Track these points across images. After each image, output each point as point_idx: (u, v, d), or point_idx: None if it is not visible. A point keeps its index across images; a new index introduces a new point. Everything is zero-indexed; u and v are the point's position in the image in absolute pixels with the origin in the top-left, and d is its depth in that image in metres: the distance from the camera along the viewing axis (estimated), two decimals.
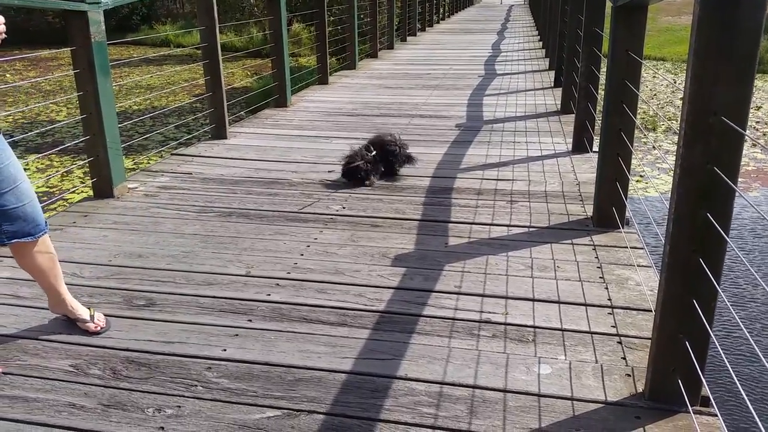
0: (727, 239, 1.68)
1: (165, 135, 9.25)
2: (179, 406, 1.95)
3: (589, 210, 3.49)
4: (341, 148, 4.89)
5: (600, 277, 2.76)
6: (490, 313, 2.47)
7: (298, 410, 1.93)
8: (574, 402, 1.95)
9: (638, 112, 3.13)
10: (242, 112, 8.63)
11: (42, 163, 8.05)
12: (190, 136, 8.45)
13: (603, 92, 3.27)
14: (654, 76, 13.24)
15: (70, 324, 2.40)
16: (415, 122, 5.84)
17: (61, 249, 3.07)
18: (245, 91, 11.52)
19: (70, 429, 1.85)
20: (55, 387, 2.05)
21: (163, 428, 1.85)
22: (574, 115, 4.98)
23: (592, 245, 3.08)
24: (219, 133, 5.25)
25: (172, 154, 4.92)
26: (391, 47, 12.10)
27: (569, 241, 3.12)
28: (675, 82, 12.24)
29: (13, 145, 8.84)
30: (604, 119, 3.16)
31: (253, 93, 9.57)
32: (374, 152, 4.03)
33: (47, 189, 6.95)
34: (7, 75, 15.38)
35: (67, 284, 2.71)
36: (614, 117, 3.12)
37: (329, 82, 8.13)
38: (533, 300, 2.57)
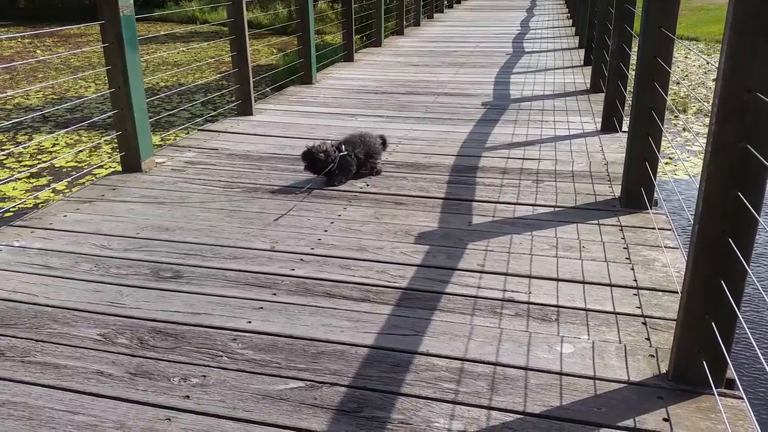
0: (759, 219, 1.64)
1: (191, 112, 9.32)
2: (205, 376, 1.98)
3: (617, 190, 3.44)
4: (366, 126, 4.88)
5: (626, 258, 2.72)
6: (513, 291, 2.46)
7: (320, 382, 1.95)
8: (597, 381, 1.94)
9: (669, 93, 3.06)
10: (267, 89, 8.65)
11: (71, 139, 8.17)
12: (216, 113, 8.50)
13: (634, 71, 3.20)
14: (686, 56, 12.91)
15: (99, 294, 2.45)
16: (441, 100, 5.79)
17: (90, 221, 3.14)
18: (270, 68, 11.52)
19: (98, 396, 1.90)
20: (84, 355, 2.10)
21: (188, 397, 1.89)
22: (603, 94, 4.90)
23: (618, 226, 3.04)
24: (245, 110, 5.27)
25: (199, 130, 4.96)
26: (417, 24, 11.97)
27: (596, 221, 3.08)
28: (708, 63, 11.92)
29: (43, 119, 9.00)
30: (635, 97, 3.09)
31: (278, 70, 9.57)
32: (344, 152, 3.64)
33: (76, 164, 7.06)
34: (38, 51, 15.59)
35: (95, 256, 2.78)
36: (645, 95, 3.05)
37: (354, 59, 8.09)
38: (557, 280, 2.55)
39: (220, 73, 11.78)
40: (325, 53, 8.62)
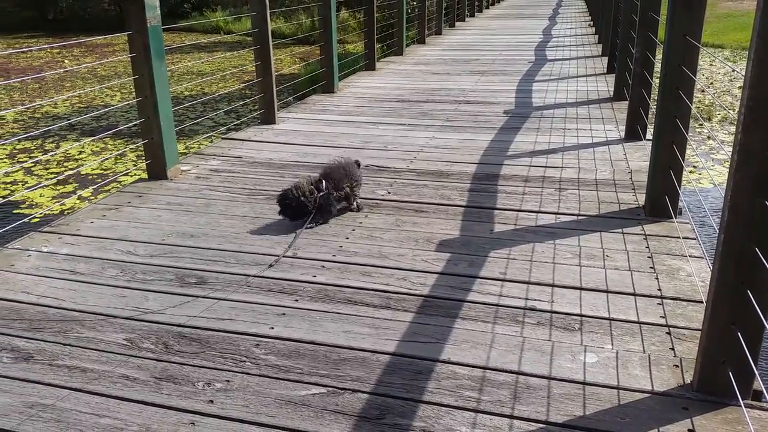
0: None
1: (215, 120, 9.44)
2: (228, 381, 2.01)
3: (641, 199, 3.41)
4: (387, 134, 4.91)
5: (650, 267, 2.70)
6: (535, 300, 2.45)
7: (342, 388, 1.96)
8: (620, 391, 1.93)
9: (693, 101, 3.04)
10: (290, 98, 8.73)
11: (97, 146, 8.32)
12: (239, 121, 8.60)
13: (658, 79, 3.18)
14: (711, 64, 12.75)
15: (125, 299, 2.49)
16: (462, 108, 5.80)
17: (116, 228, 3.20)
18: (292, 78, 11.63)
19: (123, 399, 1.94)
20: (110, 359, 2.14)
21: (212, 401, 1.91)
22: (627, 102, 4.86)
23: (643, 234, 3.01)
24: (268, 118, 5.33)
25: (222, 138, 5.02)
26: (439, 33, 12.00)
27: (619, 230, 3.06)
28: (734, 71, 11.76)
29: (70, 128, 9.17)
30: (659, 105, 3.07)
31: (300, 79, 9.66)
32: (324, 191, 3.17)
33: (102, 171, 7.19)
34: (66, 61, 15.93)
35: (122, 262, 2.83)
36: (669, 103, 3.03)
37: (376, 68, 8.13)
38: (580, 288, 2.53)
39: (243, 83, 11.93)
40: (346, 62, 8.68)
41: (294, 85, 9.77)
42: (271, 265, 2.75)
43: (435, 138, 4.78)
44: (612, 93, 6.09)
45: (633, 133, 4.59)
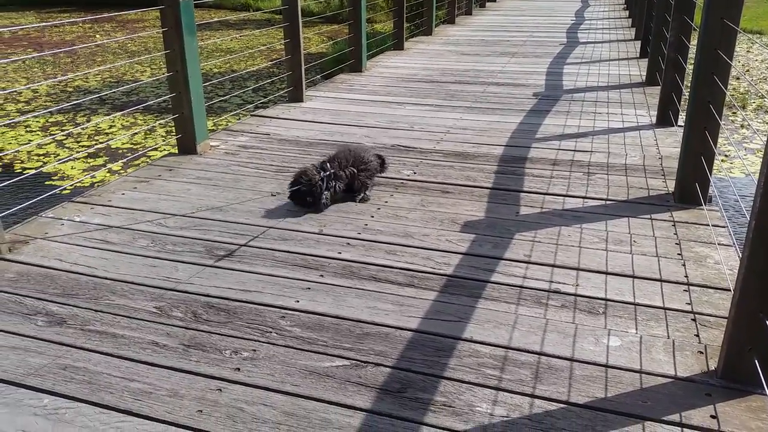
0: None
1: (243, 98, 9.49)
2: (255, 350, 2.05)
3: (671, 185, 3.37)
4: (414, 115, 4.90)
5: (678, 254, 2.67)
6: (560, 283, 2.45)
7: (365, 362, 2.00)
8: (643, 375, 1.93)
9: (728, 88, 2.98)
10: (318, 77, 8.73)
11: (127, 121, 8.43)
12: (266, 99, 8.63)
13: (692, 64, 3.11)
14: (748, 51, 12.41)
15: (156, 269, 2.55)
16: (491, 90, 5.75)
17: (147, 200, 3.26)
18: (320, 57, 11.62)
19: (153, 365, 1.99)
20: (141, 326, 2.20)
21: (239, 369, 1.96)
22: (659, 87, 4.78)
23: (671, 221, 2.98)
24: (296, 96, 5.35)
25: (251, 115, 5.06)
26: (469, 13, 11.86)
27: (648, 216, 3.03)
28: None
29: (101, 102, 9.30)
30: (693, 90, 3.02)
31: (328, 58, 9.65)
32: (329, 171, 3.16)
33: (131, 146, 7.30)
34: (97, 35, 16.10)
35: (152, 233, 2.89)
36: (703, 89, 2.97)
37: (405, 48, 8.08)
38: (606, 273, 2.52)
39: (271, 61, 11.95)
40: (375, 42, 8.64)
41: (321, 63, 9.76)
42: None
43: (462, 119, 4.75)
44: (644, 78, 5.98)
45: (665, 119, 4.52)
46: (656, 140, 4.20)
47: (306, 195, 3.09)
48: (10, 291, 2.41)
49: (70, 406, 1.81)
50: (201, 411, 1.78)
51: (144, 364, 1.99)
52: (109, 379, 1.92)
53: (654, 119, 4.64)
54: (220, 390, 1.87)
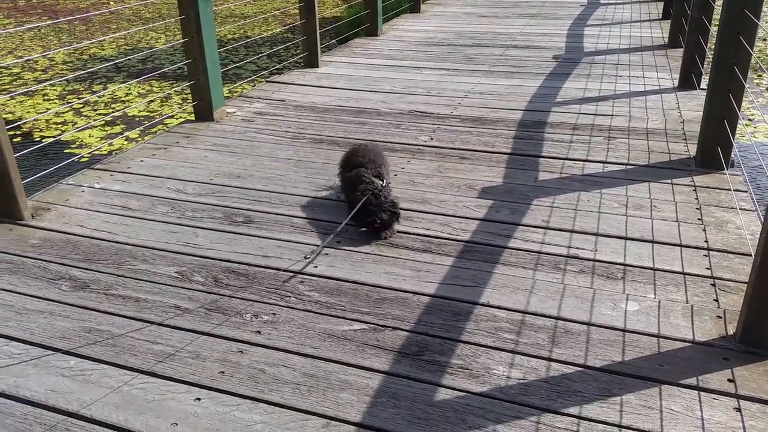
0: None
1: (257, 64, 9.42)
2: (274, 314, 2.08)
3: (693, 149, 3.32)
4: (431, 79, 4.84)
5: (698, 219, 2.64)
6: (578, 249, 2.44)
7: (383, 326, 2.02)
8: (660, 339, 1.93)
9: (754, 49, 2.90)
10: (333, 41, 8.63)
11: (143, 89, 8.44)
12: (281, 66, 8.57)
13: (717, 26, 3.03)
14: None
15: (176, 235, 2.58)
16: (510, 53, 5.65)
17: (165, 167, 3.28)
18: (335, 21, 11.47)
19: (175, 328, 2.03)
20: (162, 290, 2.23)
21: (259, 332, 1.99)
22: (682, 50, 4.66)
23: (692, 186, 2.94)
24: (311, 62, 5.30)
25: (266, 81, 5.04)
26: None
27: (668, 181, 2.99)
28: None
29: (117, 70, 9.29)
30: (717, 51, 2.94)
31: (343, 22, 9.52)
32: (386, 181, 2.71)
33: (148, 113, 7.31)
34: (111, 2, 16.01)
35: (171, 199, 2.92)
36: (728, 50, 2.90)
37: (421, 10, 7.95)
38: (625, 238, 2.50)
39: (285, 26, 11.83)
40: (390, 4, 8.49)
41: (336, 28, 9.64)
42: (305, 257, 2.35)
43: (480, 83, 4.69)
44: (667, 40, 5.84)
45: (687, 82, 4.42)
46: (678, 104, 4.12)
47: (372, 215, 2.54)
48: (35, 257, 2.46)
49: (95, 368, 1.86)
50: (223, 372, 1.82)
51: (167, 327, 2.03)
52: (133, 341, 1.97)
53: (676, 82, 4.54)
54: (242, 352, 1.91)
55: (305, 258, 2.37)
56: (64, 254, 2.47)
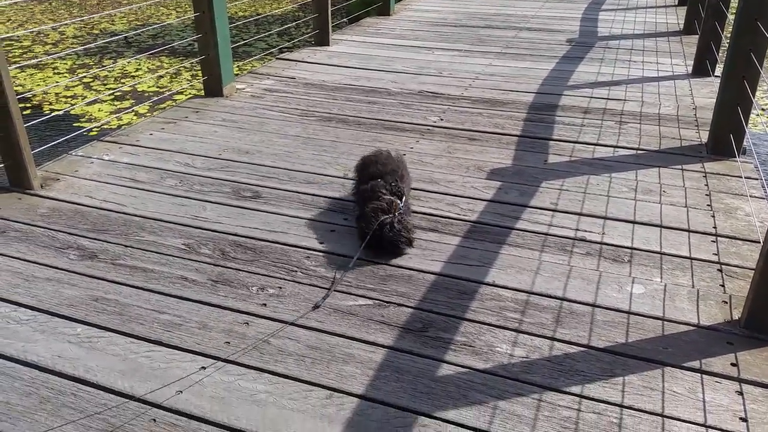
0: None
1: (268, 43, 9.38)
2: (280, 287, 2.09)
3: (704, 136, 3.29)
4: (442, 60, 4.81)
5: (708, 205, 2.63)
6: (586, 231, 2.44)
7: (387, 302, 2.02)
8: (665, 322, 1.93)
9: None
10: (345, 20, 8.57)
11: (153, 64, 8.42)
12: (291, 44, 8.53)
13: (734, 13, 2.98)
14: None
15: (184, 208, 2.59)
16: (523, 35, 5.60)
17: (174, 140, 3.29)
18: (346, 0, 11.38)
19: (182, 298, 2.04)
20: (170, 262, 2.25)
21: (265, 305, 2.01)
22: (697, 36, 4.60)
23: (703, 172, 2.92)
24: (322, 40, 5.27)
25: (276, 58, 5.01)
26: None
27: (679, 167, 2.97)
28: None
29: (127, 45, 9.26)
30: (733, 36, 2.90)
31: (354, 1, 9.45)
32: (403, 197, 2.40)
33: (157, 89, 7.30)
34: None
35: (180, 173, 2.92)
36: (745, 35, 2.86)
37: None
38: (633, 222, 2.49)
39: (296, 3, 11.75)
40: None
41: (348, 6, 9.56)
42: (319, 304, 2.01)
43: (492, 65, 4.65)
44: (682, 26, 5.77)
45: (701, 69, 4.37)
46: (691, 90, 4.08)
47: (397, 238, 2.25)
48: (43, 225, 2.48)
49: (101, 335, 1.88)
50: (228, 343, 1.84)
51: (173, 298, 2.04)
52: (140, 311, 1.98)
53: (690, 69, 4.49)
54: (247, 323, 1.92)
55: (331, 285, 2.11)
56: (72, 224, 2.49)
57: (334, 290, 2.08)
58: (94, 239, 2.38)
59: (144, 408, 1.61)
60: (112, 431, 1.54)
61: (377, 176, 2.46)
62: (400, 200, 2.35)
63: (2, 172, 2.79)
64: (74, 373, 1.73)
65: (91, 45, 6.58)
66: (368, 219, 2.27)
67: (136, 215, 2.56)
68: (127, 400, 1.63)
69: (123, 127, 5.70)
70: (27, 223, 2.50)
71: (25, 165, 2.72)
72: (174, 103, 6.04)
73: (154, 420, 1.57)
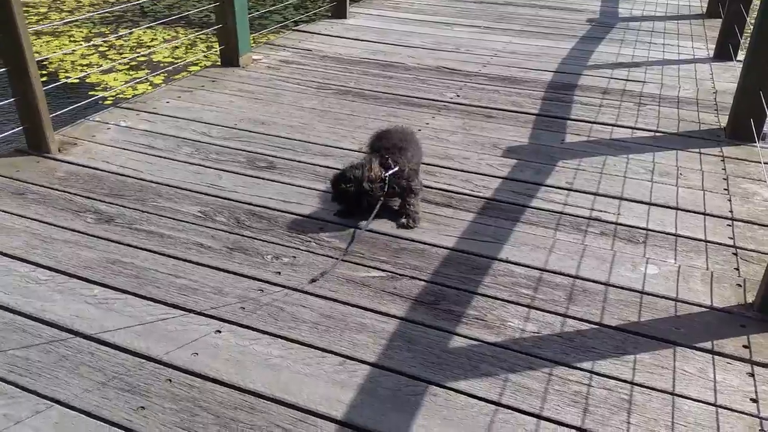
0: None
1: (284, 15, 9.31)
2: (294, 257, 2.11)
3: (723, 120, 3.25)
4: (461, 36, 4.76)
5: (724, 189, 2.61)
6: (601, 211, 2.43)
7: (400, 274, 2.03)
8: (678, 303, 1.93)
9: None
10: None
11: (168, 35, 8.39)
12: (307, 18, 8.46)
13: None
14: None
15: (200, 176, 2.60)
16: (543, 13, 5.53)
17: (191, 109, 3.29)
18: None
19: (198, 264, 2.06)
20: (186, 228, 2.26)
21: (279, 273, 2.02)
22: (720, 20, 4.52)
23: (721, 156, 2.90)
24: (339, 12, 5.23)
25: (293, 30, 4.99)
26: None
27: (697, 150, 2.95)
28: None
29: (143, 14, 9.22)
30: (759, 19, 2.85)
31: None
32: (393, 168, 2.31)
33: (173, 60, 7.29)
34: None
35: (196, 141, 2.93)
36: None
37: None
38: (649, 204, 2.48)
39: None
40: None
41: None
42: (320, 275, 2.01)
43: (511, 43, 4.60)
44: (705, 9, 5.67)
45: (723, 53, 4.30)
46: (712, 74, 4.02)
47: (358, 198, 2.28)
48: (61, 189, 2.50)
49: (118, 297, 1.90)
50: (243, 308, 1.86)
51: (189, 263, 2.06)
52: (156, 274, 2.00)
53: (711, 53, 4.42)
54: (262, 290, 1.94)
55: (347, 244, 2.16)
56: (89, 188, 2.51)
57: (348, 261, 2.09)
58: (111, 203, 2.40)
59: (160, 368, 1.64)
60: (130, 390, 1.57)
61: (380, 150, 2.40)
62: (386, 169, 2.30)
63: (21, 135, 2.81)
64: (92, 333, 1.76)
65: (107, 13, 6.54)
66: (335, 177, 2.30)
67: (152, 181, 2.57)
68: (143, 361, 1.66)
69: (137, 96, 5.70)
70: (45, 185, 2.52)
71: (43, 128, 2.74)
72: (188, 74, 6.04)
73: (170, 380, 1.60)
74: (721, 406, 1.57)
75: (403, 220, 2.31)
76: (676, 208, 2.45)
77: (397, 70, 4.00)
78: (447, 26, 5.05)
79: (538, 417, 1.53)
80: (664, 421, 1.53)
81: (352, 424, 1.50)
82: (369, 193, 2.25)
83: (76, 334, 1.76)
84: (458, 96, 3.58)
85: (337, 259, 2.10)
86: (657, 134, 3.11)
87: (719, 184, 2.65)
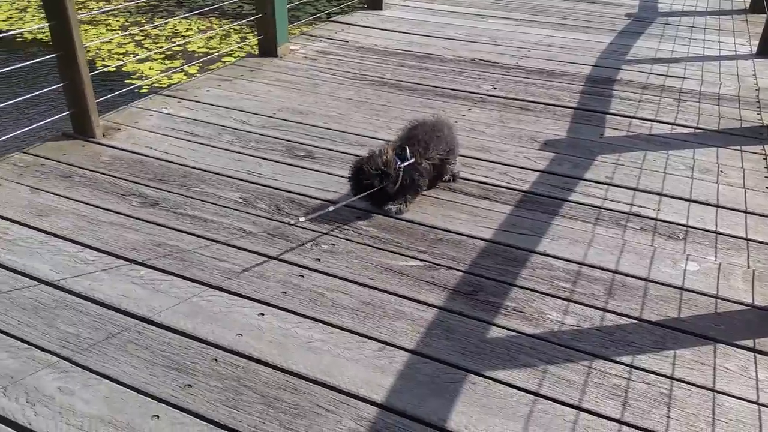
0: None
1: (316, 8, 9.35)
2: (333, 245, 2.14)
3: (766, 118, 3.19)
4: (497, 28, 4.74)
5: (766, 187, 2.57)
6: (640, 207, 2.41)
7: (438, 264, 2.05)
8: (719, 300, 1.91)
9: None
10: None
11: (203, 25, 8.49)
12: (340, 9, 8.48)
13: None
14: None
15: (240, 164, 2.65)
16: (581, 7, 5.47)
17: (231, 98, 3.34)
18: None
19: (240, 248, 2.11)
20: (228, 213, 2.31)
21: (319, 260, 2.06)
22: (765, 15, 4.43)
23: (763, 154, 2.85)
24: (375, 4, 5.24)
25: (329, 21, 5.01)
26: None
27: (738, 147, 2.90)
28: None
29: (179, 4, 9.32)
30: None
31: None
32: (410, 160, 2.30)
33: (207, 50, 7.38)
34: None
35: (236, 129, 2.98)
36: None
37: None
38: (689, 200, 2.46)
39: None
40: None
41: None
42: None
43: (549, 36, 4.57)
44: (748, 4, 5.55)
45: (766, 49, 4.21)
46: (755, 71, 3.94)
47: (375, 189, 2.25)
48: (106, 173, 2.56)
49: (164, 279, 1.95)
50: (285, 293, 1.89)
51: (232, 248, 2.11)
52: (200, 257, 2.05)
53: (754, 49, 4.33)
54: (302, 276, 1.97)
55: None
56: (134, 172, 2.57)
57: (386, 250, 2.11)
58: (156, 188, 2.46)
59: (206, 348, 1.69)
60: (176, 368, 1.62)
61: (407, 140, 2.39)
62: (402, 160, 2.28)
63: (66, 120, 2.89)
64: (139, 312, 1.81)
65: (143, 2, 6.63)
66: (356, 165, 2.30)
67: (195, 168, 2.63)
68: (189, 340, 1.71)
69: (172, 86, 5.79)
70: (91, 169, 2.59)
71: (89, 113, 2.81)
72: (223, 64, 6.11)
73: (216, 360, 1.65)
74: (764, 405, 1.56)
75: (393, 207, 2.31)
76: (717, 206, 2.42)
77: (432, 61, 4.00)
78: (482, 18, 5.03)
79: (578, 408, 1.54)
80: (704, 416, 1.52)
81: (392, 407, 1.53)
82: (378, 178, 2.22)
83: (124, 312, 1.81)
84: (495, 88, 3.57)
85: (375, 247, 2.12)
86: (697, 131, 3.07)
87: (761, 182, 2.61)
